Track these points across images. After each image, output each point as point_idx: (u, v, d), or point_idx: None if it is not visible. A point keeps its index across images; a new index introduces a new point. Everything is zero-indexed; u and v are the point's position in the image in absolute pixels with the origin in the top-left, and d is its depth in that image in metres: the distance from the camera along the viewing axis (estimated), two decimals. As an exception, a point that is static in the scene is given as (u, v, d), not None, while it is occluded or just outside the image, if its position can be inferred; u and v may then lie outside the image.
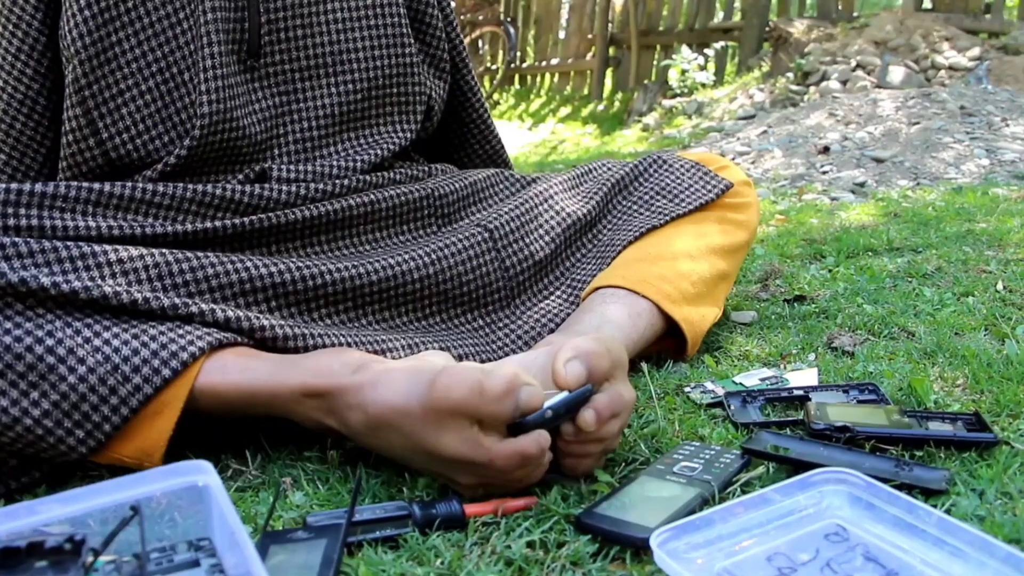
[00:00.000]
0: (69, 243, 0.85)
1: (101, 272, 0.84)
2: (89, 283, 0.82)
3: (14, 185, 0.87)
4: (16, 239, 0.83)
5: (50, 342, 0.77)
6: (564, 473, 0.78)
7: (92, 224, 0.90)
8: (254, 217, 0.98)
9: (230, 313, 0.86)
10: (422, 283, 1.03)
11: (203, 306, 0.86)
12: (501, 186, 1.25)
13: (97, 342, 0.79)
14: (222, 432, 0.89)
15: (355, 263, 1.00)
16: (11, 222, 0.86)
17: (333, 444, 0.87)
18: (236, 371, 0.81)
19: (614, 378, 0.77)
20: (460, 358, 0.99)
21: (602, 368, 0.76)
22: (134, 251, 0.88)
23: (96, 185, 0.92)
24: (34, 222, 0.87)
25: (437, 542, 0.67)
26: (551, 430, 0.73)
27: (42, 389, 0.76)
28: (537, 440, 0.71)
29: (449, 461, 0.72)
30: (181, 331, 0.82)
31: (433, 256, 1.05)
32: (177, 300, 0.85)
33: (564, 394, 0.73)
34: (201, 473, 0.62)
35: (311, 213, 1.03)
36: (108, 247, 0.86)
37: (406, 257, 1.03)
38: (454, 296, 1.07)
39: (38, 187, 0.88)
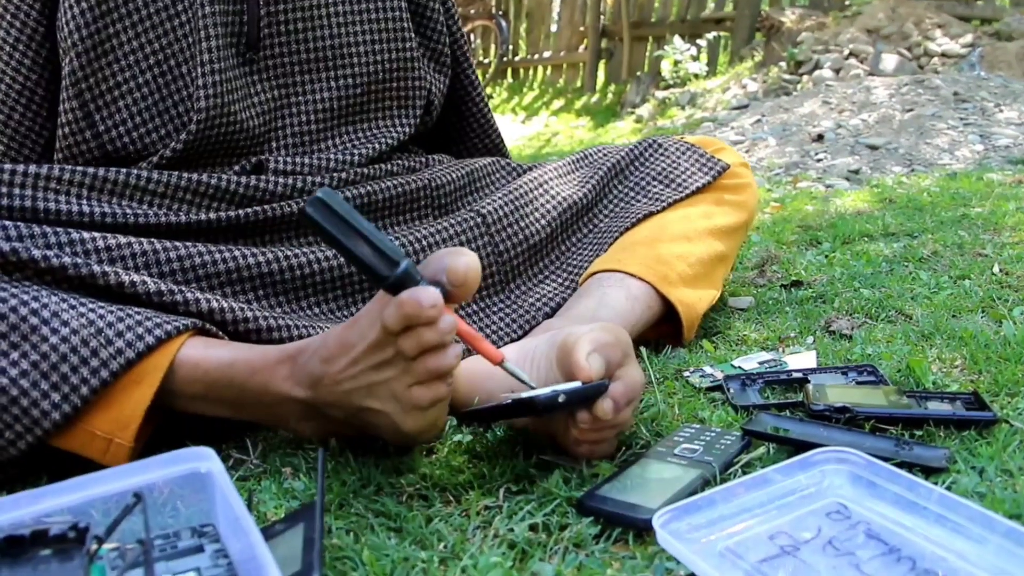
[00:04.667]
0: (59, 229, 0.85)
1: (88, 258, 0.85)
2: (79, 261, 0.82)
3: (8, 165, 0.88)
4: (7, 223, 0.83)
5: (35, 305, 0.77)
6: (573, 457, 0.78)
7: (85, 209, 0.90)
8: (249, 210, 0.98)
9: (215, 304, 0.87)
10: None
11: (188, 295, 0.86)
12: (498, 175, 1.25)
13: (82, 309, 0.79)
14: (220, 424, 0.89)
15: None
16: (3, 202, 0.87)
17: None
18: (218, 345, 0.82)
19: (624, 364, 0.77)
20: None
21: (616, 359, 0.77)
22: (123, 239, 0.88)
23: (91, 169, 0.93)
24: (27, 203, 0.88)
25: (440, 526, 0.67)
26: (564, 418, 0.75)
27: (23, 349, 0.76)
28: (415, 294, 0.66)
29: (377, 364, 0.71)
30: (166, 314, 0.83)
31: (424, 242, 1.04)
32: (163, 287, 0.85)
33: (578, 384, 0.73)
34: (203, 460, 0.62)
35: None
36: (97, 234, 0.87)
37: (396, 244, 1.02)
38: None
39: (32, 168, 0.89)
